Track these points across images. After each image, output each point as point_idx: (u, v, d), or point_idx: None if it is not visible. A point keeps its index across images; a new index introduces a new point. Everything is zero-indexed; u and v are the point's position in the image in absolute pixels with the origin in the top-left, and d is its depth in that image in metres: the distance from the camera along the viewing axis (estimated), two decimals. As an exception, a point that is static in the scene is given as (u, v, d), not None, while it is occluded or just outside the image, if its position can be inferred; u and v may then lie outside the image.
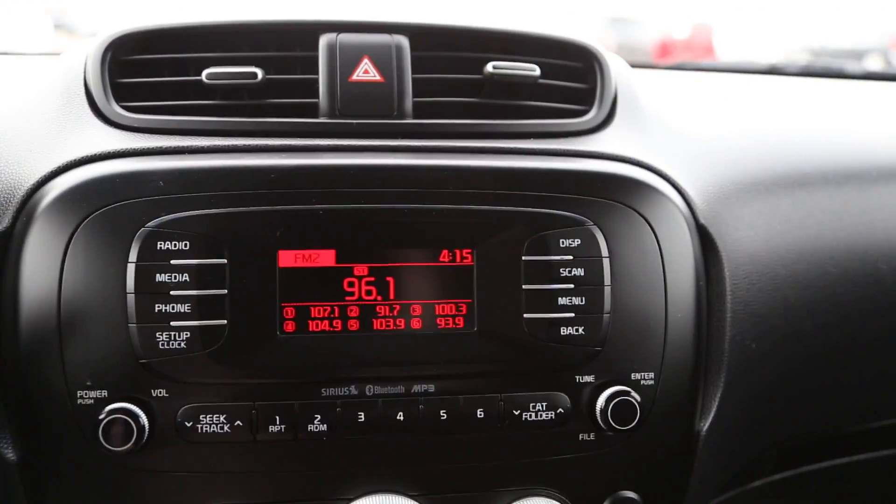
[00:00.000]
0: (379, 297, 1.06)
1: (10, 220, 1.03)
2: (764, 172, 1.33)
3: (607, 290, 1.09)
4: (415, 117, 1.17)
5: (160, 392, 1.01)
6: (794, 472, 1.59)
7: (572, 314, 1.08)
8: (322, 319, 1.05)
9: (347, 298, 1.05)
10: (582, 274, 1.09)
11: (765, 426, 1.34)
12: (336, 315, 1.05)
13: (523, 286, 1.08)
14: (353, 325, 1.05)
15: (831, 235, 1.32)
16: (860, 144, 1.49)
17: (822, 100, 1.82)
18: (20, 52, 1.82)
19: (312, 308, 1.04)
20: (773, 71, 2.20)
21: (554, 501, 1.12)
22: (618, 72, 1.30)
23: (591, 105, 1.25)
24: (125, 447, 0.98)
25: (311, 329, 1.04)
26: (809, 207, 1.33)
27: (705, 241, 1.19)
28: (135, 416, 0.99)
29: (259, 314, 1.03)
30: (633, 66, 1.39)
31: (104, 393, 1.00)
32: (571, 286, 1.08)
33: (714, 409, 1.18)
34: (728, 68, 2.28)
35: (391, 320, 1.06)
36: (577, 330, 1.09)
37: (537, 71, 1.21)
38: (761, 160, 1.35)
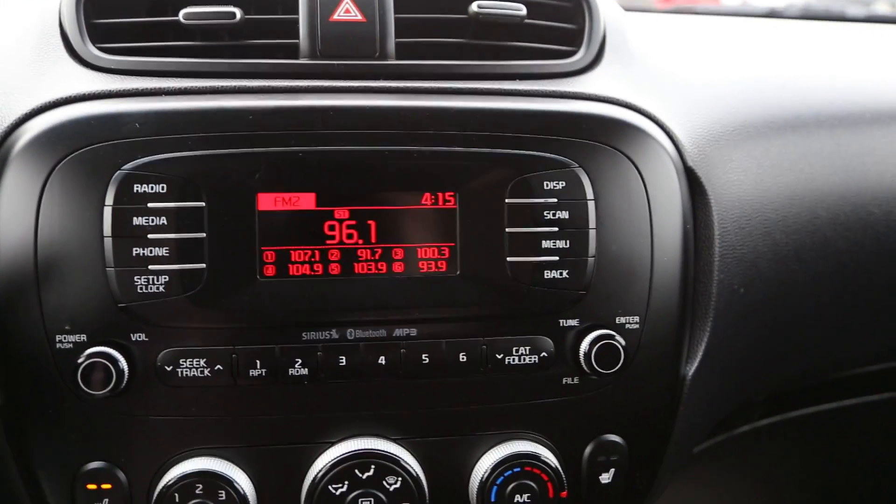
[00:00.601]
0: (360, 241, 1.05)
1: None
2: (755, 115, 1.30)
3: (592, 233, 1.08)
4: (397, 58, 1.14)
5: (139, 336, 1.01)
6: (780, 418, 1.59)
7: (556, 257, 1.07)
8: (302, 263, 1.04)
9: (328, 242, 1.04)
10: (566, 217, 1.07)
11: (752, 372, 1.33)
12: (317, 259, 1.04)
13: (507, 229, 1.06)
14: (335, 268, 1.04)
15: (822, 179, 1.30)
16: (855, 88, 1.47)
17: (819, 43, 1.78)
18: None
19: (293, 252, 1.03)
20: (772, 14, 2.15)
21: (537, 445, 1.12)
22: (607, 13, 1.27)
23: (578, 46, 1.23)
24: (104, 391, 0.98)
25: (291, 273, 1.03)
26: (801, 151, 1.31)
27: (693, 185, 1.17)
28: (114, 361, 0.98)
29: (238, 258, 1.02)
30: (628, 10, 1.36)
31: (83, 337, 1.00)
32: (556, 229, 1.07)
33: (700, 354, 1.18)
34: (726, 12, 2.23)
35: (373, 264, 1.05)
36: (561, 273, 1.08)
37: (523, 10, 1.18)
38: (753, 103, 1.32)
